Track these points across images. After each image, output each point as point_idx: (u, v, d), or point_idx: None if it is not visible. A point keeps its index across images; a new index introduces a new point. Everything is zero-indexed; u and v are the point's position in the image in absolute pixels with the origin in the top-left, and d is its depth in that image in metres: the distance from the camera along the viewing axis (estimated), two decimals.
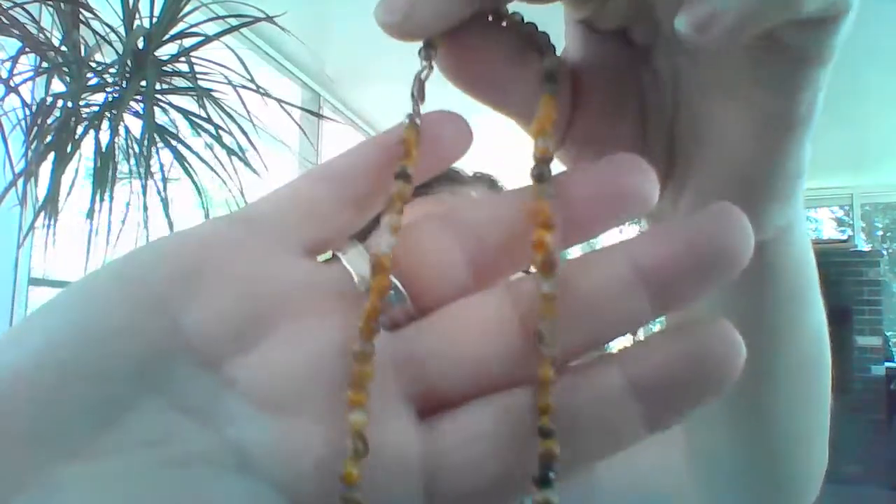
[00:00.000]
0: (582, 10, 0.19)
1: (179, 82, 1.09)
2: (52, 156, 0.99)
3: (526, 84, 0.17)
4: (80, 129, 1.01)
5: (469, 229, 0.15)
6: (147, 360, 0.13)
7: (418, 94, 0.16)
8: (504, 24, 0.17)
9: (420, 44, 0.16)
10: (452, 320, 0.15)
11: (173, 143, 1.09)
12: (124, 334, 0.13)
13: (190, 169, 1.10)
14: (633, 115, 0.20)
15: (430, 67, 0.16)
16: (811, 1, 0.14)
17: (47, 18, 1.04)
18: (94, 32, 1.06)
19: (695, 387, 0.14)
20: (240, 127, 1.10)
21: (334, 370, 0.14)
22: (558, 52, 0.18)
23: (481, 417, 0.14)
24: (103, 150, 1.05)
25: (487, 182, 0.58)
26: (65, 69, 1.02)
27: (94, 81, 1.04)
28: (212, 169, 1.12)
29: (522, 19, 0.18)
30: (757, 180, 0.19)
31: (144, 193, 1.06)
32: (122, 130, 1.07)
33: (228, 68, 1.10)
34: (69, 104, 1.00)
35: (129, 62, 1.03)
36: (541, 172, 0.15)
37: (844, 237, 4.33)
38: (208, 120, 1.08)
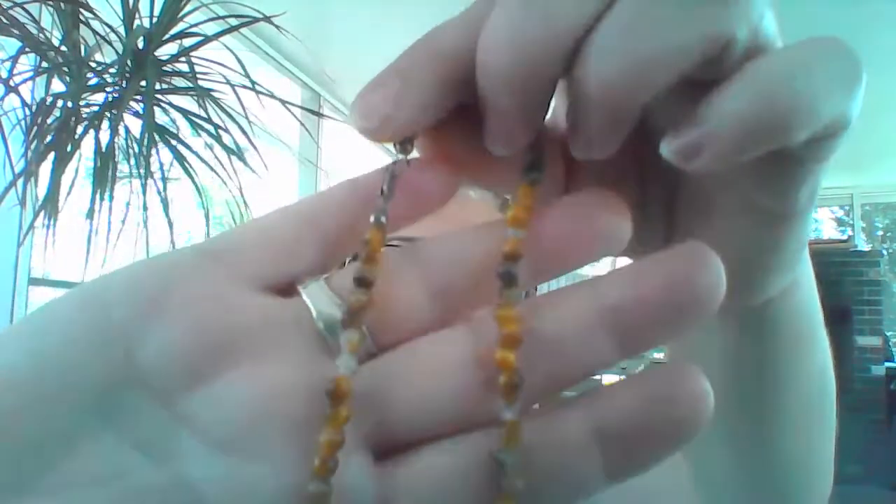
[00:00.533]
0: None
1: (179, 82, 1.09)
2: (52, 156, 0.99)
3: (510, 167, 0.16)
4: (80, 129, 1.01)
5: (434, 265, 0.15)
6: (101, 392, 0.13)
7: (388, 190, 0.15)
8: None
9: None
10: (412, 361, 0.14)
11: (173, 143, 1.09)
12: (80, 365, 0.13)
13: (190, 169, 1.10)
14: (632, 182, 0.19)
15: (407, 162, 0.15)
16: (808, 126, 0.13)
17: (47, 18, 1.04)
18: (94, 32, 1.06)
19: (659, 436, 0.13)
20: (240, 127, 1.10)
21: (289, 410, 0.14)
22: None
23: (438, 461, 0.14)
24: (103, 150, 1.05)
25: None
26: (65, 69, 1.02)
27: (94, 81, 1.04)
28: (212, 169, 1.12)
29: None
30: (757, 259, 0.19)
31: (144, 193, 1.06)
32: (122, 130, 1.07)
33: (228, 68, 1.10)
34: (69, 104, 1.00)
35: (129, 62, 1.03)
36: (507, 272, 0.14)
37: (844, 237, 4.33)
38: (208, 120, 1.08)
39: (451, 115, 0.15)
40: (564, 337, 0.14)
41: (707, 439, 0.27)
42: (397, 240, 0.57)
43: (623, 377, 0.14)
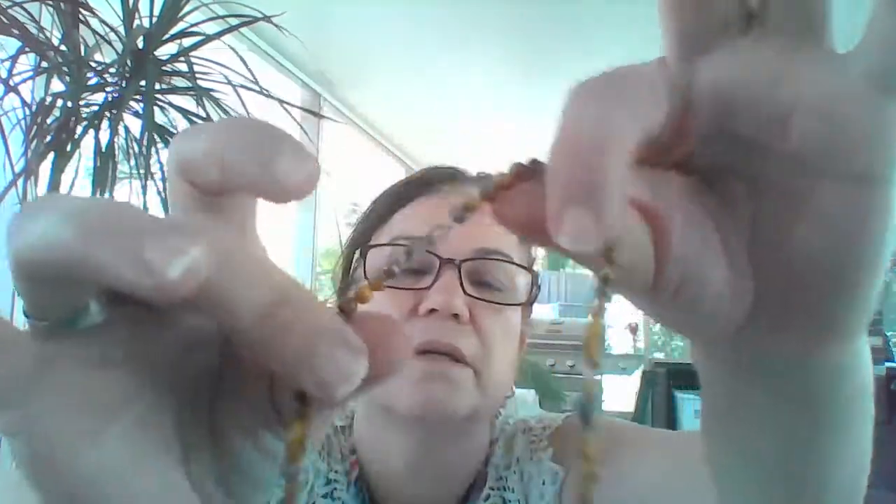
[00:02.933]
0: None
1: (179, 82, 1.09)
2: (52, 155, 0.99)
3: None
4: (79, 129, 1.02)
5: None
6: None
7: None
8: None
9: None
10: None
11: None
12: None
13: None
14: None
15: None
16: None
17: (47, 18, 1.04)
18: (94, 32, 1.06)
19: None
20: None
21: None
22: None
23: None
24: (103, 149, 1.05)
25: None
26: (65, 69, 1.02)
27: (93, 81, 1.04)
28: None
29: None
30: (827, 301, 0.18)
31: (144, 193, 1.06)
32: (121, 130, 1.07)
33: (228, 68, 1.10)
34: (69, 104, 1.00)
35: (128, 62, 1.03)
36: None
37: None
38: (208, 120, 1.08)
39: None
40: None
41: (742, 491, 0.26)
42: (404, 239, 0.57)
43: None
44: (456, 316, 0.47)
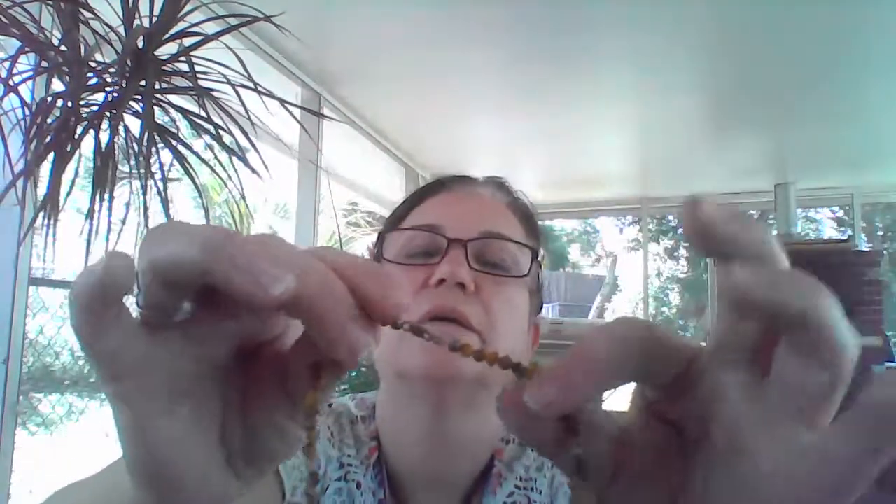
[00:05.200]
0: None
1: (179, 82, 1.09)
2: (51, 155, 0.99)
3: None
4: (79, 129, 1.01)
5: None
6: None
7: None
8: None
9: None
10: None
11: (173, 142, 1.09)
12: None
13: (190, 169, 1.10)
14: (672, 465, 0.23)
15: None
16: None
17: (47, 18, 1.04)
18: (94, 32, 1.06)
19: None
20: (240, 127, 1.10)
21: None
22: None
23: None
24: (103, 149, 1.05)
25: (496, 184, 0.64)
26: (64, 69, 1.02)
27: (93, 81, 1.04)
28: (212, 169, 1.12)
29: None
30: None
31: (144, 193, 1.06)
32: (121, 130, 1.07)
33: (229, 68, 1.10)
34: (69, 104, 1.00)
35: (128, 62, 1.03)
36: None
37: (844, 237, 4.33)
38: (208, 120, 1.08)
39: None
40: None
41: None
42: (421, 227, 0.61)
43: None
44: (461, 286, 0.51)
